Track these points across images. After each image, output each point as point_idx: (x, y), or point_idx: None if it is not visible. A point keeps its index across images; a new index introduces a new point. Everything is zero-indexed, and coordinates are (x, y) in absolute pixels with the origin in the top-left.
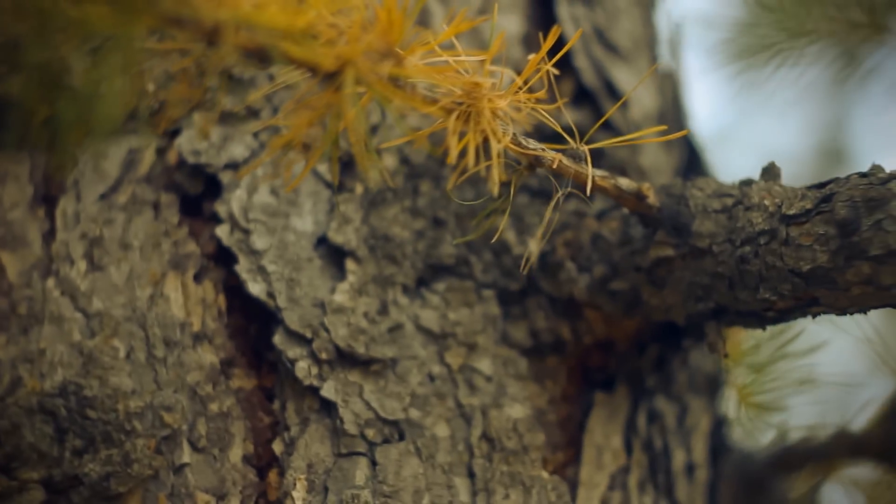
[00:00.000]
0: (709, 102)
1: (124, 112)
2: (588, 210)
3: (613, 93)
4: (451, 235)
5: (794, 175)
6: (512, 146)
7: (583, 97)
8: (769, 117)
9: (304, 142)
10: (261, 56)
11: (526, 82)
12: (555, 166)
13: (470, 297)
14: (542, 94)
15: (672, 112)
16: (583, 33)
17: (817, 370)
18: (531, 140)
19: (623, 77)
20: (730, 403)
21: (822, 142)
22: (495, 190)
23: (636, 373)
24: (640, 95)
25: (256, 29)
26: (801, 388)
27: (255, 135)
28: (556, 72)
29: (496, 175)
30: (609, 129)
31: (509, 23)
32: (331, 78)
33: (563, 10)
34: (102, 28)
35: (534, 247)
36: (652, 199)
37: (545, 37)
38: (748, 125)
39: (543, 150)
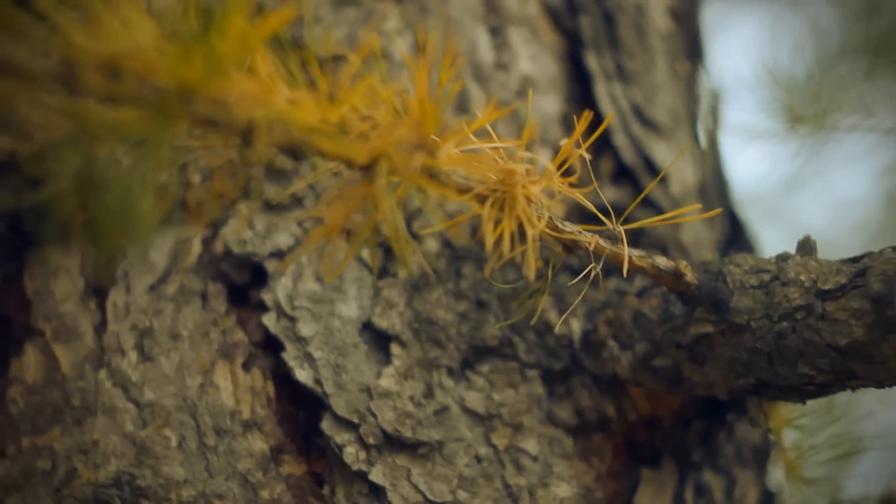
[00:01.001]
0: (773, 152)
1: (163, 212)
2: (629, 288)
3: (653, 169)
4: (494, 317)
5: (864, 221)
6: (548, 231)
7: (622, 175)
8: (839, 163)
9: (347, 228)
10: (295, 152)
11: (562, 165)
12: (591, 249)
13: (514, 378)
14: (575, 177)
15: (713, 185)
16: (621, 111)
17: (867, 438)
18: (567, 223)
19: (662, 153)
20: (779, 474)
21: (894, 187)
22: (532, 276)
23: (682, 447)
24: (680, 170)
25: (290, 126)
26: (851, 457)
27: (300, 223)
28: (588, 156)
29: (532, 261)
30: (650, 205)
31: (547, 103)
32: (366, 170)
33: (600, 89)
34: (137, 131)
35: (575, 325)
36: (689, 277)
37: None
38: (818, 172)
39: (580, 232)
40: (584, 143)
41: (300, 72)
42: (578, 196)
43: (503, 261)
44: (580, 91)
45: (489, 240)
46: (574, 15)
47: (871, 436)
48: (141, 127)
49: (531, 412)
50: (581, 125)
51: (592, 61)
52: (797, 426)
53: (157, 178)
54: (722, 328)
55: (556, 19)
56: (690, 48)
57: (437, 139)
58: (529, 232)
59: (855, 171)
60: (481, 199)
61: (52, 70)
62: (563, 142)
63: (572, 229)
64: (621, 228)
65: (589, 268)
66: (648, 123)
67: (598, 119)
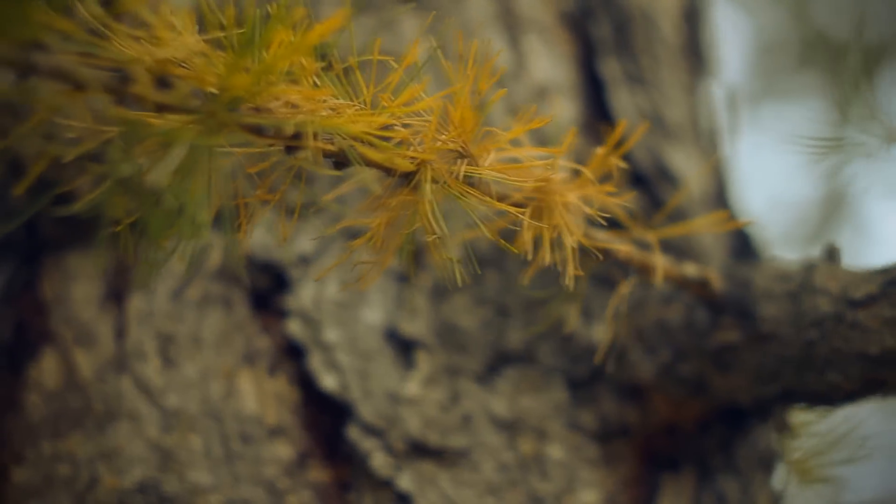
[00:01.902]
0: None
1: (210, 218)
2: (652, 295)
3: (666, 175)
4: (517, 323)
5: (799, 220)
6: (583, 239)
7: (636, 181)
8: (775, 161)
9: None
10: (340, 159)
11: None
12: (624, 258)
13: (538, 384)
14: (611, 186)
15: (724, 191)
16: (635, 117)
17: (874, 440)
18: (600, 231)
19: (675, 158)
20: (786, 476)
21: (827, 188)
22: (572, 284)
23: (701, 453)
24: (691, 175)
25: (334, 133)
26: (858, 459)
27: (323, 230)
28: (624, 165)
29: (571, 269)
30: (662, 211)
31: (564, 109)
32: (406, 177)
33: (614, 96)
34: (186, 138)
35: (604, 335)
36: (716, 284)
37: (600, 123)
38: (756, 171)
39: (612, 241)
40: (602, 150)
41: (344, 79)
42: (614, 204)
43: (534, 268)
44: (595, 97)
45: (529, 247)
46: (588, 22)
47: (875, 440)
48: (190, 134)
49: (555, 418)
50: (616, 134)
51: (606, 68)
52: (804, 429)
53: (205, 184)
54: (748, 336)
55: (572, 26)
56: (701, 54)
57: (479, 147)
58: (568, 240)
59: (790, 168)
60: (520, 207)
61: (101, 78)
62: (599, 150)
63: (605, 238)
64: (654, 238)
65: (629, 285)
66: (662, 129)
67: (613, 126)
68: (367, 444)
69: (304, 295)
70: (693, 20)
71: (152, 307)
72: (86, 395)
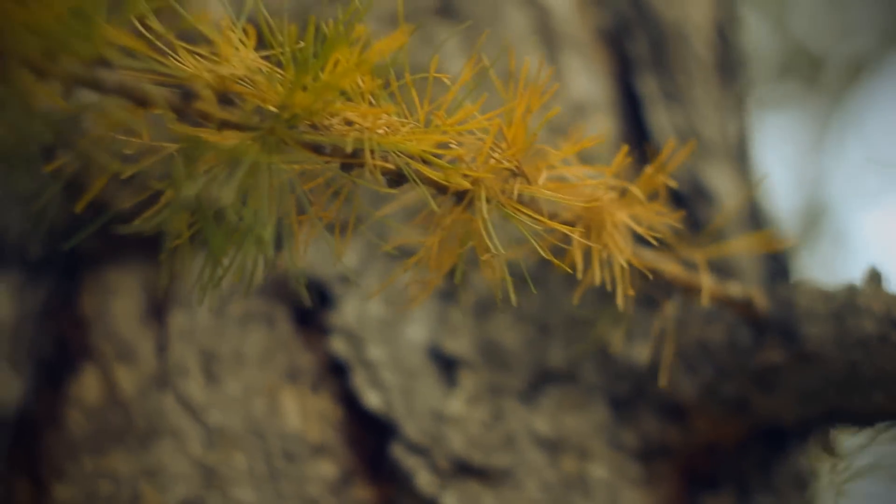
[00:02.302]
0: None
1: (273, 235)
2: (693, 315)
3: (703, 194)
4: (559, 341)
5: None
6: (632, 258)
7: (673, 199)
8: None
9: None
10: (396, 177)
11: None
12: (670, 277)
13: (580, 403)
14: (660, 205)
15: (758, 208)
16: (672, 135)
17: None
18: (647, 250)
19: (711, 176)
20: (832, 497)
21: (807, 198)
22: (624, 304)
23: (741, 472)
24: (727, 194)
25: (390, 151)
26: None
27: (366, 245)
28: (673, 184)
29: (623, 289)
30: (698, 229)
31: (600, 126)
32: (458, 195)
33: (652, 113)
34: (249, 156)
35: (645, 353)
36: (760, 304)
37: (638, 141)
38: None
39: (659, 260)
40: (650, 169)
41: (399, 97)
42: (663, 223)
43: (583, 287)
44: (632, 114)
45: (580, 265)
46: (625, 39)
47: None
48: (252, 152)
49: (598, 437)
50: (663, 153)
51: (643, 85)
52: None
53: (267, 201)
54: (792, 356)
55: (608, 43)
56: (736, 69)
57: (530, 166)
58: (618, 259)
59: (773, 181)
60: (570, 226)
61: (166, 95)
62: (648, 168)
63: (652, 256)
64: (701, 258)
65: (672, 305)
66: (698, 147)
67: (651, 143)
68: (411, 463)
69: (347, 312)
70: (725, 37)
71: (194, 323)
72: (127, 411)
